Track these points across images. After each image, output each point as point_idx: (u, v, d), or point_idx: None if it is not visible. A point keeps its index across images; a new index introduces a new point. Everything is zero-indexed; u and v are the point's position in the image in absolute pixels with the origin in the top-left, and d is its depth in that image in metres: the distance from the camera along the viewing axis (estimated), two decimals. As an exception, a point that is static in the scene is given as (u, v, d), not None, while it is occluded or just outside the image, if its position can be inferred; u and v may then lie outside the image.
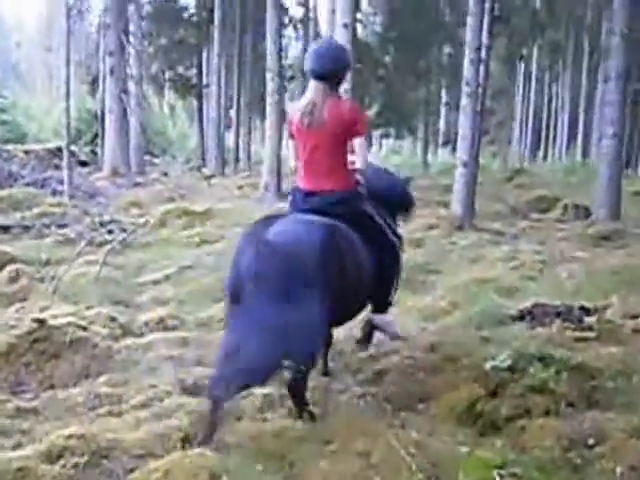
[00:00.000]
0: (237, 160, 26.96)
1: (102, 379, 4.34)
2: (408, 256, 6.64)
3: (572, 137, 39.56)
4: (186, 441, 3.44)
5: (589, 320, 5.58)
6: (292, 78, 27.92)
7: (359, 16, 25.96)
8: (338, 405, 4.06)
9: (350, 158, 4.09)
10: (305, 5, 29.52)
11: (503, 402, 3.77)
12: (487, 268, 7.86)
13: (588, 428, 3.52)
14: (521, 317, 5.77)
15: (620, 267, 7.60)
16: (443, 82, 30.11)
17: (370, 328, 4.70)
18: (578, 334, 5.14)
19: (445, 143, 42.04)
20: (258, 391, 4.07)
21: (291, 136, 4.22)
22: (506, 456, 3.28)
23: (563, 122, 39.92)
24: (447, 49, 29.48)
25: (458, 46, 28.56)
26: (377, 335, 4.80)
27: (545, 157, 38.80)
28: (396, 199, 4.75)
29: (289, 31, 30.37)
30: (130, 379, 4.33)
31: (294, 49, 34.46)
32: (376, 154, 35.59)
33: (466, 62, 10.48)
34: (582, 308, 5.80)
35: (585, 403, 3.85)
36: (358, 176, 4.19)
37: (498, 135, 41.94)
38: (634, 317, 5.89)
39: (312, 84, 4.05)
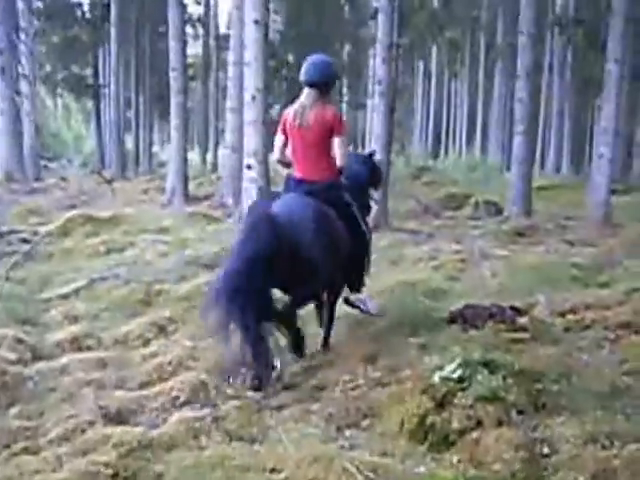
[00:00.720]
0: (138, 163, 26.18)
1: (14, 411, 3.93)
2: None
3: (471, 134, 40.52)
4: (116, 478, 3.11)
5: (521, 320, 5.51)
6: (192, 78, 27.31)
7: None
8: (278, 425, 3.78)
9: (337, 154, 4.84)
10: (205, 3, 29.02)
11: (453, 414, 3.58)
12: (409, 269, 7.74)
13: (542, 436, 3.40)
14: (453, 320, 5.63)
15: (539, 263, 7.63)
16: (345, 81, 30.11)
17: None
18: (513, 335, 5.04)
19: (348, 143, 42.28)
20: (190, 414, 3.76)
21: (282, 132, 4.95)
22: (466, 473, 3.10)
23: (462, 120, 40.82)
24: (347, 47, 29.50)
25: (359, 45, 28.77)
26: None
27: (446, 154, 39.52)
28: (368, 174, 5.66)
29: (188, 29, 29.76)
30: (46, 409, 3.94)
31: (193, 48, 33.83)
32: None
33: (378, 60, 10.37)
34: (513, 308, 5.72)
35: (534, 409, 3.73)
36: (339, 166, 4.90)
37: (399, 133, 42.49)
38: (561, 314, 5.91)
39: (305, 90, 4.82)
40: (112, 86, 22.94)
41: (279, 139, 4.99)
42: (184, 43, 14.74)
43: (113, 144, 23.05)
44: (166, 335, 5.48)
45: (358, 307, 5.53)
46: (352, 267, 5.11)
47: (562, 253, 8.46)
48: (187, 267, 7.62)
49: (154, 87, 26.78)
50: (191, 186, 17.32)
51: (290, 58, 26.84)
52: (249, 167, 8.47)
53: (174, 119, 14.21)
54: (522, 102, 10.79)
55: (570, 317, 5.82)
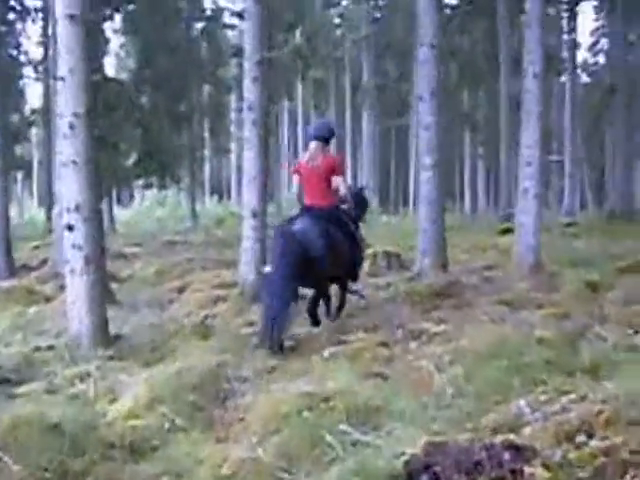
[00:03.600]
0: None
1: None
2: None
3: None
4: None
5: (530, 470, 3.19)
6: (31, 124, 24.03)
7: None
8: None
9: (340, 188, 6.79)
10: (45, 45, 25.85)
11: None
12: (312, 368, 5.28)
13: None
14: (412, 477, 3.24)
15: (496, 344, 5.33)
16: (206, 126, 27.57)
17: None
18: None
19: (212, 191, 39.74)
20: None
21: (296, 172, 6.89)
22: None
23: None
24: (207, 89, 27.00)
25: (219, 86, 26.42)
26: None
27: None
28: (359, 202, 7.49)
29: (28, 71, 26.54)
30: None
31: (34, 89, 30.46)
32: (138, 207, 32.29)
33: (247, 82, 7.96)
34: (511, 446, 3.38)
35: None
36: (342, 195, 6.84)
37: (269, 182, 40.40)
38: (568, 437, 3.65)
39: (313, 143, 6.69)
40: None
41: (296, 178, 6.94)
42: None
43: None
44: None
45: (355, 292, 7.40)
46: (351, 264, 6.88)
47: (511, 322, 6.23)
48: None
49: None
50: (24, 251, 14.24)
51: (143, 101, 23.98)
52: (70, 228, 5.79)
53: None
54: (428, 129, 8.64)
55: (581, 440, 3.58)
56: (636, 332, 5.99)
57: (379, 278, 9.36)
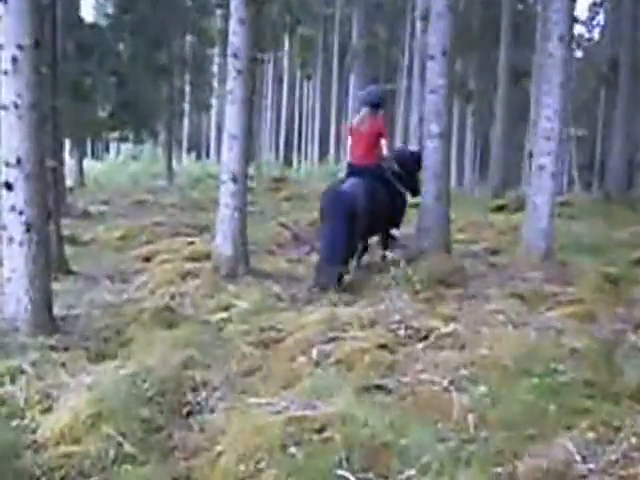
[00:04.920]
0: None
1: None
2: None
3: (325, 140, 37.87)
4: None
5: None
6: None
7: None
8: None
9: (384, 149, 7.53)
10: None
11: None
12: (295, 379, 4.29)
13: None
14: None
15: (522, 356, 4.39)
16: (187, 78, 26.20)
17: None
18: None
19: (190, 149, 38.47)
20: None
21: (350, 134, 7.63)
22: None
23: (315, 125, 38.12)
24: (189, 39, 25.56)
25: (202, 37, 25.07)
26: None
27: (299, 163, 36.61)
28: (410, 160, 8.13)
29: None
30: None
31: None
32: (111, 161, 30.93)
33: (232, 23, 6.86)
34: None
35: None
36: (385, 156, 7.56)
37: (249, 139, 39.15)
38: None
39: (364, 108, 7.55)
40: None
41: (350, 138, 7.69)
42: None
43: None
44: None
45: (397, 244, 8.25)
46: (395, 215, 7.89)
47: (533, 324, 5.27)
48: None
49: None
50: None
51: (121, 47, 22.57)
52: (8, 187, 4.71)
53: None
54: (437, 92, 7.59)
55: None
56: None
57: (372, 256, 8.38)
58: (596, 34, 38.64)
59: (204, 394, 4.05)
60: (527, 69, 22.05)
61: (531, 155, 18.75)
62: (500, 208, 16.30)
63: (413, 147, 13.95)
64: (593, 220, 13.41)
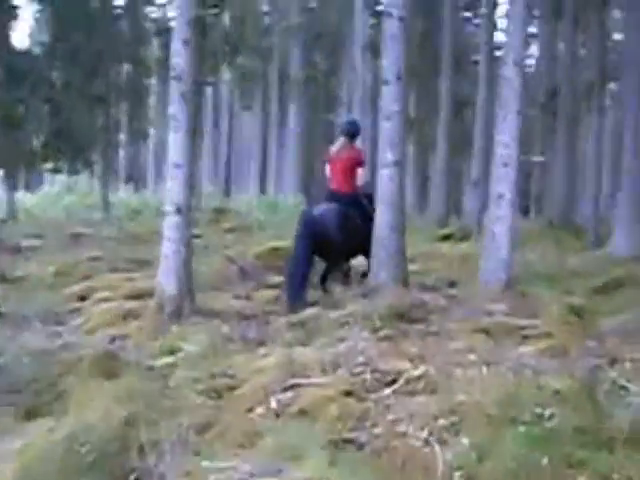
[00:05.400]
0: None
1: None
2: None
3: (264, 171, 37.49)
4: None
5: None
6: None
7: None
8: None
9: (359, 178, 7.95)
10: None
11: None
12: (262, 433, 3.83)
13: None
14: None
15: (504, 401, 4.00)
16: (124, 107, 25.51)
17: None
18: None
19: (128, 179, 37.65)
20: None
21: (328, 161, 8.11)
22: None
23: (254, 155, 37.72)
24: (126, 68, 24.93)
25: (139, 66, 24.51)
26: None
27: (238, 193, 36.07)
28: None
29: None
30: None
31: None
32: (46, 193, 29.88)
33: (175, 44, 6.42)
34: None
35: None
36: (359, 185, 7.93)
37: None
38: None
39: (341, 138, 8.05)
40: None
41: (327, 166, 8.15)
42: None
43: None
44: None
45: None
46: (368, 242, 7.73)
47: (507, 363, 4.90)
48: None
49: None
50: None
51: (54, 76, 21.82)
52: None
53: None
54: (391, 119, 7.27)
55: None
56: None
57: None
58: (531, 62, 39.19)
59: (153, 457, 3.54)
60: (469, 98, 22.12)
61: (475, 184, 18.76)
62: (446, 237, 16.15)
63: None
64: (542, 247, 13.26)
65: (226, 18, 26.93)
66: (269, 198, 29.53)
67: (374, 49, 25.55)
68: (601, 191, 15.82)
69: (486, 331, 6.02)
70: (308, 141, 37.08)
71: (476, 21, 31.08)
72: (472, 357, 5.06)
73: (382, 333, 5.94)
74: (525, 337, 5.90)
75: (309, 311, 6.86)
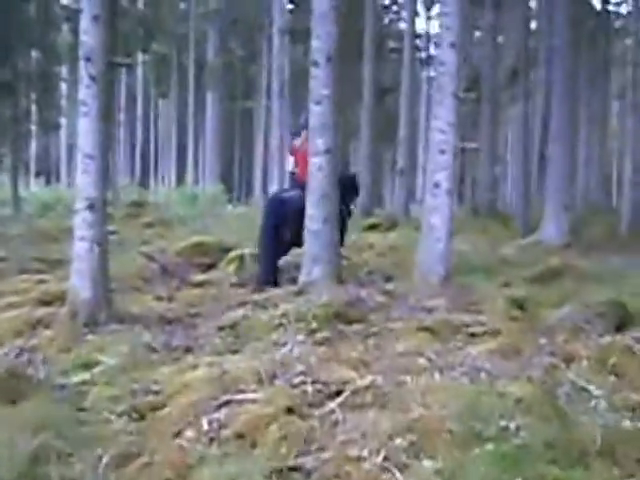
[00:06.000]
0: None
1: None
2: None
3: (182, 161, 36.60)
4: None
5: None
6: None
7: None
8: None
9: None
10: None
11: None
12: (192, 465, 3.32)
13: None
14: None
15: (464, 414, 3.59)
16: (33, 97, 24.23)
17: None
18: None
19: (39, 173, 36.16)
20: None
21: (291, 153, 8.62)
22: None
23: (172, 145, 36.76)
24: (35, 55, 23.63)
25: (49, 53, 23.30)
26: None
27: (156, 185, 35.12)
28: (351, 186, 8.67)
29: None
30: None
31: None
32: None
33: (85, 22, 5.77)
34: None
35: None
36: None
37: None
38: None
39: (303, 131, 8.15)
40: None
41: (291, 158, 8.58)
42: None
43: None
44: None
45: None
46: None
47: (461, 367, 4.50)
48: None
49: None
50: None
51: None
52: None
53: None
54: (321, 103, 6.74)
55: None
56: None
57: (252, 292, 7.43)
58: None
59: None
60: (392, 85, 21.89)
61: (401, 172, 18.54)
62: (373, 227, 15.84)
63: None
64: (472, 236, 13.11)
65: (140, 1, 26.01)
66: (188, 189, 28.73)
67: (293, 34, 25.11)
68: (530, 178, 15.74)
69: (430, 330, 5.63)
70: (227, 129, 36.35)
71: (394, 8, 30.96)
72: (421, 361, 4.67)
73: (319, 335, 5.50)
74: (472, 335, 5.55)
75: (240, 312, 6.36)
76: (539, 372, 4.51)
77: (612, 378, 4.49)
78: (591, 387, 4.25)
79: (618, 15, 35.89)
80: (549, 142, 12.94)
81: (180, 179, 35.64)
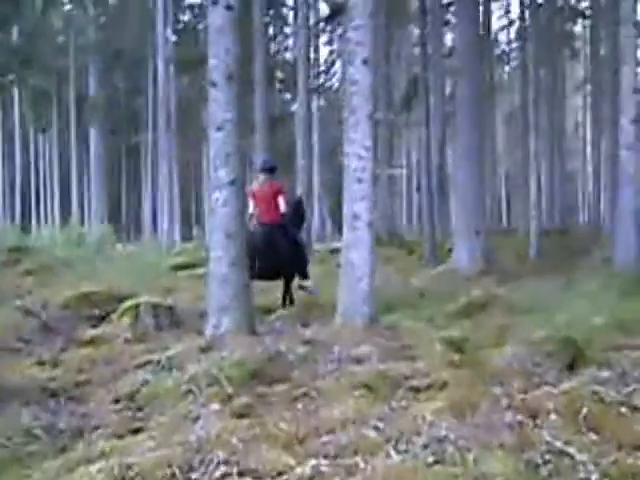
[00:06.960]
0: None
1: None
2: None
3: (66, 200, 34.76)
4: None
5: None
6: None
7: None
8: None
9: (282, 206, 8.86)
10: None
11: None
12: None
13: None
14: None
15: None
16: None
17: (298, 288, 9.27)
18: None
19: None
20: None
21: (252, 196, 8.93)
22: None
23: (54, 185, 34.89)
24: None
25: None
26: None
27: (39, 227, 33.10)
28: (297, 210, 9.57)
29: None
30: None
31: None
32: None
33: None
34: None
35: None
36: (283, 212, 8.89)
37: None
38: None
39: (261, 175, 9.10)
40: None
41: (252, 202, 8.92)
42: None
43: None
44: None
45: (305, 288, 9.21)
46: (296, 263, 9.06)
47: (419, 442, 3.74)
48: None
49: None
50: None
51: None
52: None
53: None
54: (223, 128, 5.89)
55: None
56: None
57: (151, 348, 6.42)
58: (335, 82, 39.26)
59: None
60: (284, 114, 21.24)
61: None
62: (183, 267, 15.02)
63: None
64: (378, 268, 12.46)
65: (14, 33, 24.48)
66: (74, 230, 27.08)
67: (178, 65, 24.18)
68: (433, 203, 15.36)
69: (367, 387, 4.84)
70: (113, 165, 34.86)
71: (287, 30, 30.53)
72: (368, 433, 3.85)
73: (237, 402, 4.62)
74: (416, 390, 4.79)
75: (138, 376, 5.37)
76: (508, 435, 3.80)
77: (592, 436, 3.82)
78: (571, 450, 3.58)
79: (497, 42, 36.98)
80: (455, 167, 12.53)
81: (65, 219, 33.78)
